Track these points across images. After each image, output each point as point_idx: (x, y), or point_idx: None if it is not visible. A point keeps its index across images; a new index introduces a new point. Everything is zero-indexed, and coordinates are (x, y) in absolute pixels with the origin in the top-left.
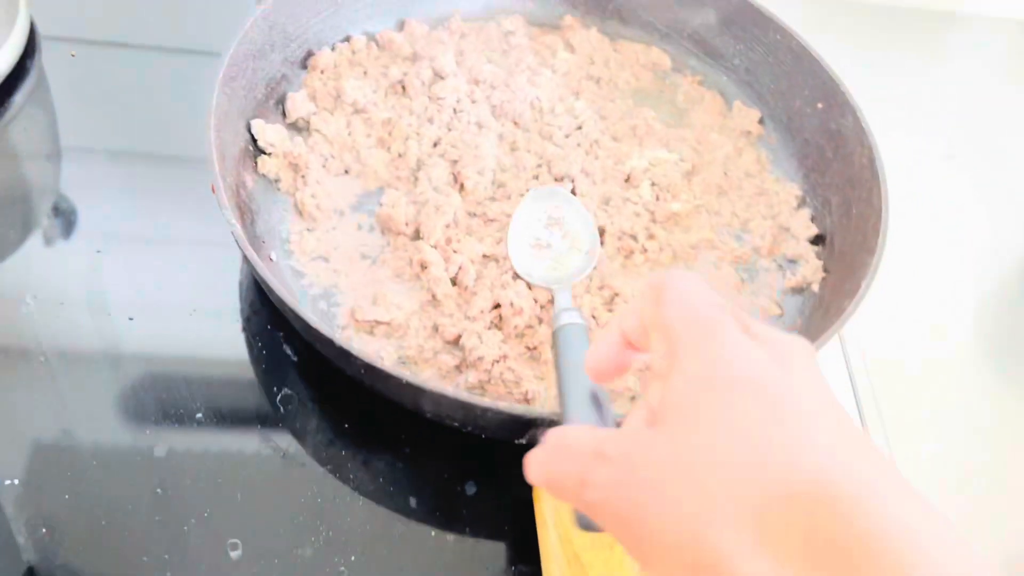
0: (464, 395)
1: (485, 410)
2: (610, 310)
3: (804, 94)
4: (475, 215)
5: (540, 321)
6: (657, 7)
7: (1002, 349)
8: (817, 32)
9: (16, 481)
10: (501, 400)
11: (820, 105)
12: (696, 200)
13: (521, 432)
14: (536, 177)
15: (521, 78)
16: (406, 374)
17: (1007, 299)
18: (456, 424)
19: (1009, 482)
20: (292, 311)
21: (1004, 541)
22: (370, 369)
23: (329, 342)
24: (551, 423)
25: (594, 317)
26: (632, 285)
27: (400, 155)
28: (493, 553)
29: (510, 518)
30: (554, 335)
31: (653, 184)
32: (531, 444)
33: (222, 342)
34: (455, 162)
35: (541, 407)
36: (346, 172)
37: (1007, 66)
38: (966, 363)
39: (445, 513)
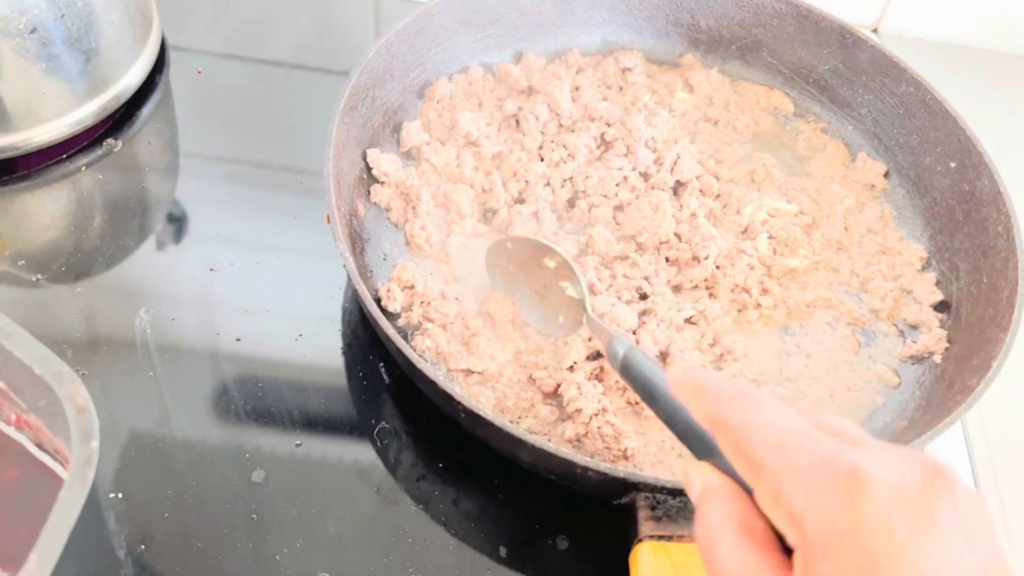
0: (564, 452)
1: (585, 468)
2: (720, 368)
3: (936, 151)
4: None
5: None
6: (782, 50)
7: None
8: (954, 82)
9: (121, 495)
10: (599, 455)
11: (953, 164)
12: (815, 256)
13: (620, 493)
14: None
15: (638, 117)
16: (507, 424)
17: None
18: (553, 477)
19: None
20: (397, 349)
21: None
22: (471, 415)
23: (432, 384)
24: (653, 488)
25: None
26: (744, 342)
27: (485, 190)
28: None
29: None
30: (625, 364)
31: (771, 237)
32: (630, 504)
33: (324, 369)
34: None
35: (641, 466)
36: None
37: None
38: None
39: (535, 566)
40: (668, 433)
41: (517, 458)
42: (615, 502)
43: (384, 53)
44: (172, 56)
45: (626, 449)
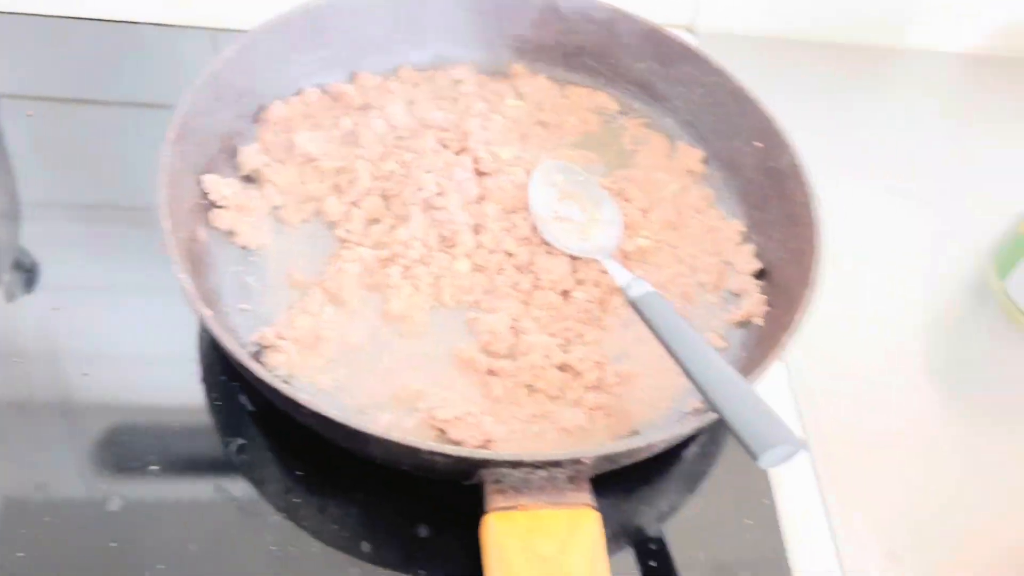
0: (409, 439)
1: (431, 452)
2: (567, 350)
3: (743, 134)
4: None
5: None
6: (601, 54)
7: (946, 376)
8: (765, 72)
9: None
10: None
11: (759, 144)
12: (656, 236)
13: (469, 474)
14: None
15: (474, 122)
16: (350, 419)
17: (950, 327)
18: (406, 468)
19: (957, 507)
20: (238, 361)
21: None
22: (317, 417)
23: (275, 391)
24: (495, 463)
25: (547, 356)
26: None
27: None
28: None
29: (460, 558)
30: (636, 305)
31: None
32: (479, 484)
33: (179, 394)
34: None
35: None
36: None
37: (948, 100)
38: (909, 388)
39: (397, 555)
40: (520, 413)
41: (370, 455)
42: (466, 483)
43: (212, 82)
44: (1, 104)
45: (489, 434)
